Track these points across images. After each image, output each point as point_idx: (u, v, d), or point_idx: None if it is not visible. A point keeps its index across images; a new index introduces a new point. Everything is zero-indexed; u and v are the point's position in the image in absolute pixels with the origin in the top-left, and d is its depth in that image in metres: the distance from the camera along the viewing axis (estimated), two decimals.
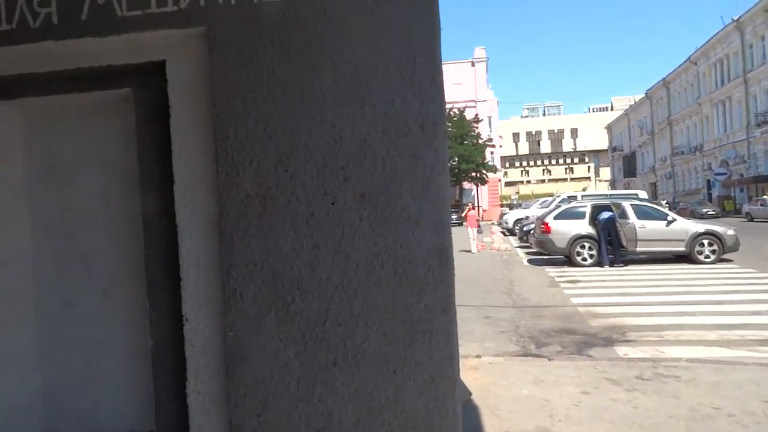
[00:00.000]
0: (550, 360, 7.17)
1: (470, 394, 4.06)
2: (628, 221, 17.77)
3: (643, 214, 18.22)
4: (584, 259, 17.88)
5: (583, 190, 72.30)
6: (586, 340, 8.36)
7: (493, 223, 39.92)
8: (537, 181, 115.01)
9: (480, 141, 62.89)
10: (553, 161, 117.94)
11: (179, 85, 2.13)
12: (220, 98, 2.01)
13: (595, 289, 13.22)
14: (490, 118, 72.22)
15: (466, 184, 64.98)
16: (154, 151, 2.24)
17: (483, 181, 64.45)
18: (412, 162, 1.92)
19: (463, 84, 71.15)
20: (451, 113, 61.24)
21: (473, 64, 74.60)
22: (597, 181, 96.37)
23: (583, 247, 18.01)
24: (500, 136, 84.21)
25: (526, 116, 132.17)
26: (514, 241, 28.94)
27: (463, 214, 31.81)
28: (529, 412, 4.71)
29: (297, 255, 1.96)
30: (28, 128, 2.52)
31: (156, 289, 2.23)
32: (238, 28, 2.00)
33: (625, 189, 74.15)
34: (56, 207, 2.51)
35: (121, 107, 2.43)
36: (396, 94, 1.93)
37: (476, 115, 65.08)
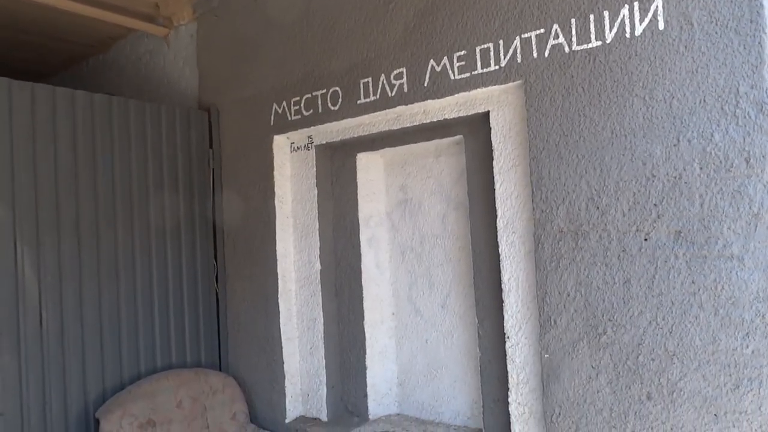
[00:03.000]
0: None
1: None
2: None
3: None
4: None
5: None
6: None
7: None
8: None
9: None
10: None
11: (500, 131, 2.44)
12: (535, 142, 2.24)
13: None
14: None
15: None
16: (481, 187, 2.61)
17: None
18: (735, 198, 1.81)
19: None
20: None
21: None
22: None
23: None
24: None
25: None
26: None
27: None
28: None
29: (608, 288, 2.06)
30: (387, 171, 3.19)
31: (482, 308, 2.59)
32: (551, 78, 2.20)
33: None
34: (408, 232, 3.12)
35: (455, 149, 2.89)
36: (715, 128, 1.85)
37: None
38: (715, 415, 1.84)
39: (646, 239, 1.98)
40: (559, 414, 2.16)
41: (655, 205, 1.96)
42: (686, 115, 1.91)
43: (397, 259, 3.15)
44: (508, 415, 2.42)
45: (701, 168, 1.88)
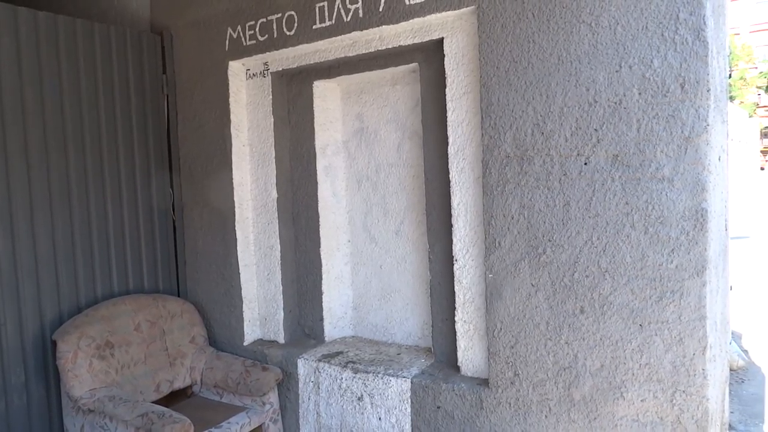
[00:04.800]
0: None
1: (744, 361, 3.69)
2: None
3: None
4: None
5: None
6: None
7: None
8: None
9: None
10: None
11: (453, 58, 2.46)
12: (486, 68, 2.27)
13: None
14: None
15: None
16: (434, 115, 2.64)
17: None
18: (669, 123, 1.90)
19: None
20: None
21: None
22: None
23: None
24: None
25: None
26: None
27: None
28: None
29: (549, 211, 2.15)
30: (344, 99, 3.19)
31: (433, 233, 2.68)
32: (503, 4, 2.21)
33: None
34: (364, 161, 3.16)
35: (410, 78, 2.90)
36: (655, 54, 1.92)
37: None
38: (640, 325, 1.99)
39: (586, 163, 2.07)
40: (501, 329, 2.29)
41: (595, 129, 2.04)
42: (629, 41, 1.96)
43: (353, 188, 3.20)
44: (455, 332, 2.56)
45: (640, 93, 1.95)
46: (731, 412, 3.03)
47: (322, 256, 3.14)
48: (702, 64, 1.85)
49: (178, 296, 3.47)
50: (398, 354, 2.88)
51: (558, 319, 2.16)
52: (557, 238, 2.14)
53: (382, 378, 2.63)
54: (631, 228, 1.99)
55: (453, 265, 2.53)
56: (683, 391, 1.93)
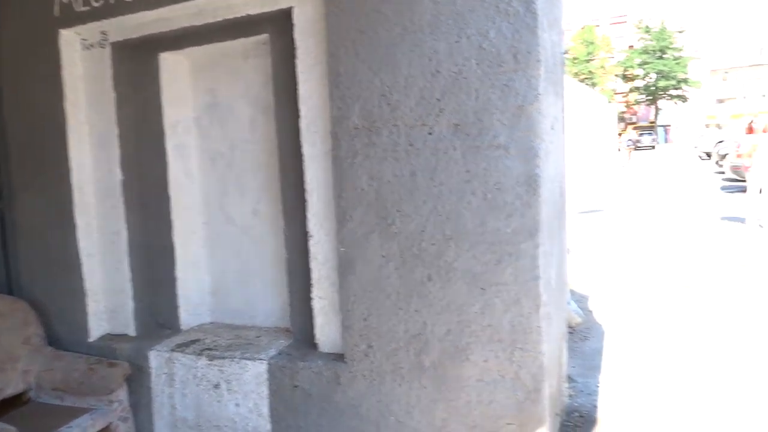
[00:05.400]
0: None
1: (581, 318, 4.03)
2: None
3: None
4: None
5: None
6: None
7: None
8: None
9: (683, 54, 53.56)
10: None
11: (302, 28, 2.38)
12: (333, 39, 2.23)
13: None
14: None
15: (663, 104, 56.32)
16: (285, 88, 2.56)
17: (684, 99, 55.11)
18: (504, 92, 1.97)
19: None
20: (647, 25, 53.31)
21: None
22: None
23: None
24: None
25: None
26: None
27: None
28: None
29: (397, 181, 2.16)
30: (194, 73, 3.00)
31: (289, 210, 2.61)
32: None
33: None
34: (218, 138, 3.00)
35: (262, 50, 2.78)
36: (491, 26, 1.97)
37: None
38: (482, 288, 2.06)
39: (430, 133, 2.09)
40: (354, 302, 2.27)
41: (438, 99, 2.07)
42: (467, 12, 2.00)
43: (208, 167, 3.03)
44: (312, 310, 2.51)
45: (478, 63, 2.00)
46: (573, 366, 3.27)
47: (174, 241, 2.95)
48: (532, 36, 1.93)
49: (11, 294, 3.10)
50: (258, 337, 2.78)
51: (408, 288, 2.18)
52: (405, 208, 2.15)
53: (238, 363, 2.53)
54: (471, 195, 2.05)
55: (308, 241, 2.47)
56: (521, 348, 2.03)
